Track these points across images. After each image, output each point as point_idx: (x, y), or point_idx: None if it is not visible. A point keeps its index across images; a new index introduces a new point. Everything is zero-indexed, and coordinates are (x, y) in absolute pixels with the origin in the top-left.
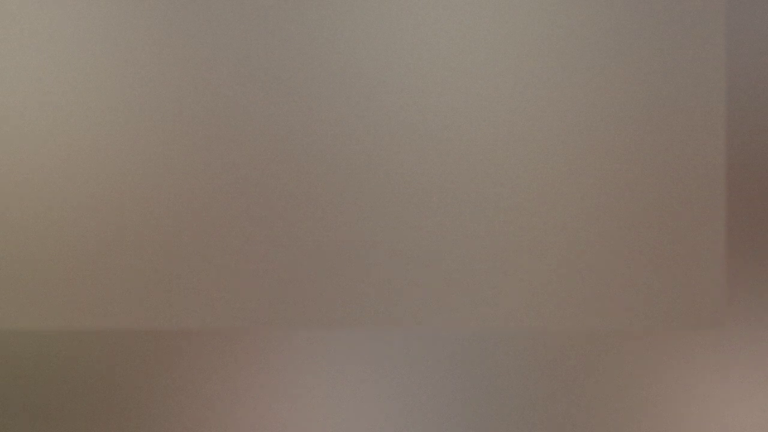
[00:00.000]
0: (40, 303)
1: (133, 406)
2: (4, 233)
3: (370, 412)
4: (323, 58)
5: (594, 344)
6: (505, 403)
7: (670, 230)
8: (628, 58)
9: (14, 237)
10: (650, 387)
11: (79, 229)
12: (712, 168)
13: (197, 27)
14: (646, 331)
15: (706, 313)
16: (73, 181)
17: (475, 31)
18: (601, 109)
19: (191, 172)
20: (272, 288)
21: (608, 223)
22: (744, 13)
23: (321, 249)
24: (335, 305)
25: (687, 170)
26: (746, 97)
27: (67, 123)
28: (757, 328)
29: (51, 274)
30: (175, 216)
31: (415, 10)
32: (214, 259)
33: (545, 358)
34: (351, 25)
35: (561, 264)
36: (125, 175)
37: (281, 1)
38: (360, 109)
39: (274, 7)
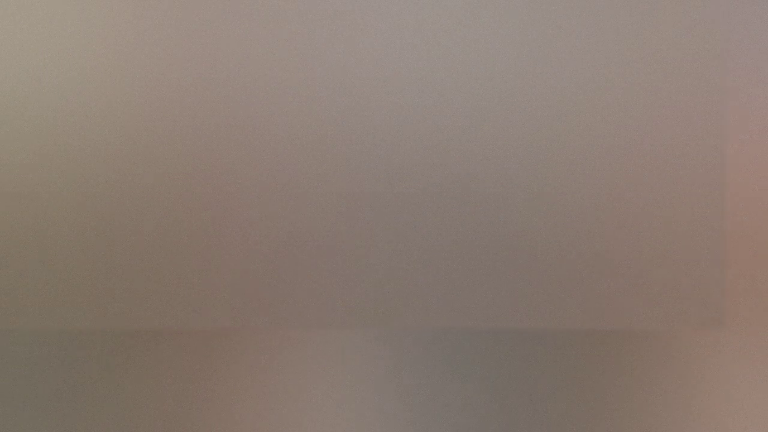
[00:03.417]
0: (40, 303)
1: (133, 406)
2: (4, 233)
3: (369, 412)
4: (324, 58)
5: (594, 344)
6: (506, 403)
7: (670, 230)
8: (628, 58)
9: (14, 237)
10: (650, 387)
11: (78, 229)
12: (712, 168)
13: (197, 25)
14: (646, 331)
15: (706, 313)
16: (73, 180)
17: (474, 31)
18: (600, 108)
19: (191, 172)
20: (272, 288)
21: (608, 223)
22: (744, 13)
23: (321, 249)
24: (335, 305)
25: (687, 170)
26: (746, 97)
27: (66, 122)
28: (757, 328)
29: (51, 274)
30: (175, 216)
31: (415, 10)
32: (214, 259)
33: (545, 358)
34: (351, 24)
35: (561, 264)
36: (125, 174)
37: (283, 0)
38: (360, 109)
39: (276, 6)
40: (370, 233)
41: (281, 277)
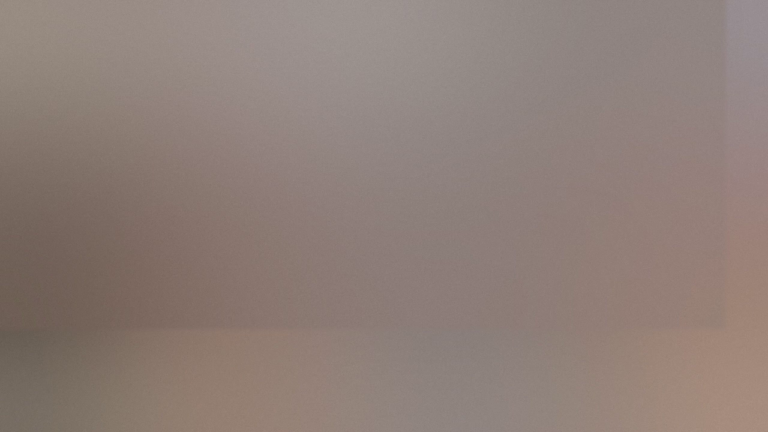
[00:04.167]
0: (40, 303)
1: (133, 406)
2: (4, 233)
3: (370, 412)
4: (323, 57)
5: (594, 344)
6: (505, 403)
7: (670, 230)
8: (628, 58)
9: (14, 237)
10: (650, 387)
11: (79, 228)
12: (712, 167)
13: (196, 25)
14: (646, 331)
15: (706, 313)
16: (73, 180)
17: (474, 31)
18: (600, 108)
19: (192, 172)
20: (272, 288)
21: (608, 223)
22: (744, 13)
23: (321, 249)
24: (335, 305)
25: (687, 169)
26: (746, 97)
27: (66, 122)
28: (757, 329)
29: (51, 274)
30: (175, 216)
31: (416, 10)
32: (214, 259)
33: (545, 358)
34: (349, 25)
35: (561, 264)
36: (124, 175)
37: (282, 0)
38: (359, 109)
39: (275, 6)
40: (370, 233)
41: (281, 277)
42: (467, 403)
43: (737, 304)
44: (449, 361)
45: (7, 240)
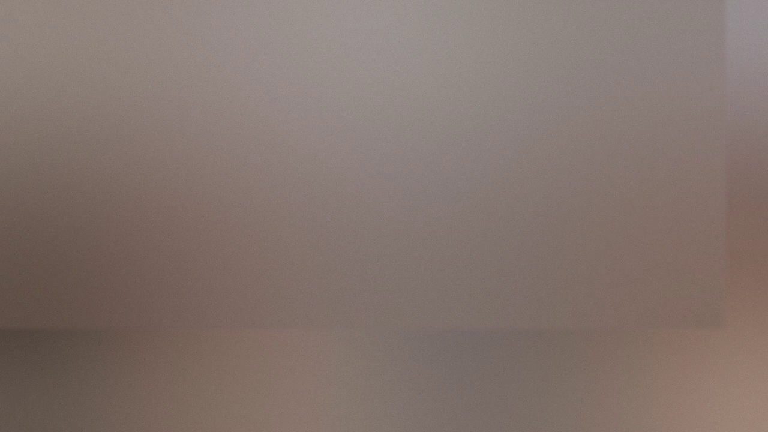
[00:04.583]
0: (40, 303)
1: (133, 406)
2: (4, 233)
3: (370, 412)
4: (323, 58)
5: (594, 344)
6: (505, 403)
7: (670, 230)
8: (628, 58)
9: (14, 237)
10: (650, 387)
11: (78, 228)
12: (713, 167)
13: (196, 25)
14: (646, 331)
15: (706, 313)
16: (71, 180)
17: (474, 31)
18: (600, 108)
19: (192, 172)
20: (272, 288)
21: (608, 223)
22: (744, 13)
23: (321, 249)
24: (335, 305)
25: (687, 170)
26: (746, 97)
27: (66, 122)
28: (757, 329)
29: (51, 274)
30: (175, 216)
31: (416, 10)
32: (214, 259)
33: (545, 358)
34: (349, 25)
35: (561, 264)
36: (124, 174)
37: (282, 0)
38: (359, 110)
39: (275, 6)
40: (370, 234)
41: (281, 277)
42: (467, 403)
43: (737, 304)
44: (449, 361)
45: (7, 240)
